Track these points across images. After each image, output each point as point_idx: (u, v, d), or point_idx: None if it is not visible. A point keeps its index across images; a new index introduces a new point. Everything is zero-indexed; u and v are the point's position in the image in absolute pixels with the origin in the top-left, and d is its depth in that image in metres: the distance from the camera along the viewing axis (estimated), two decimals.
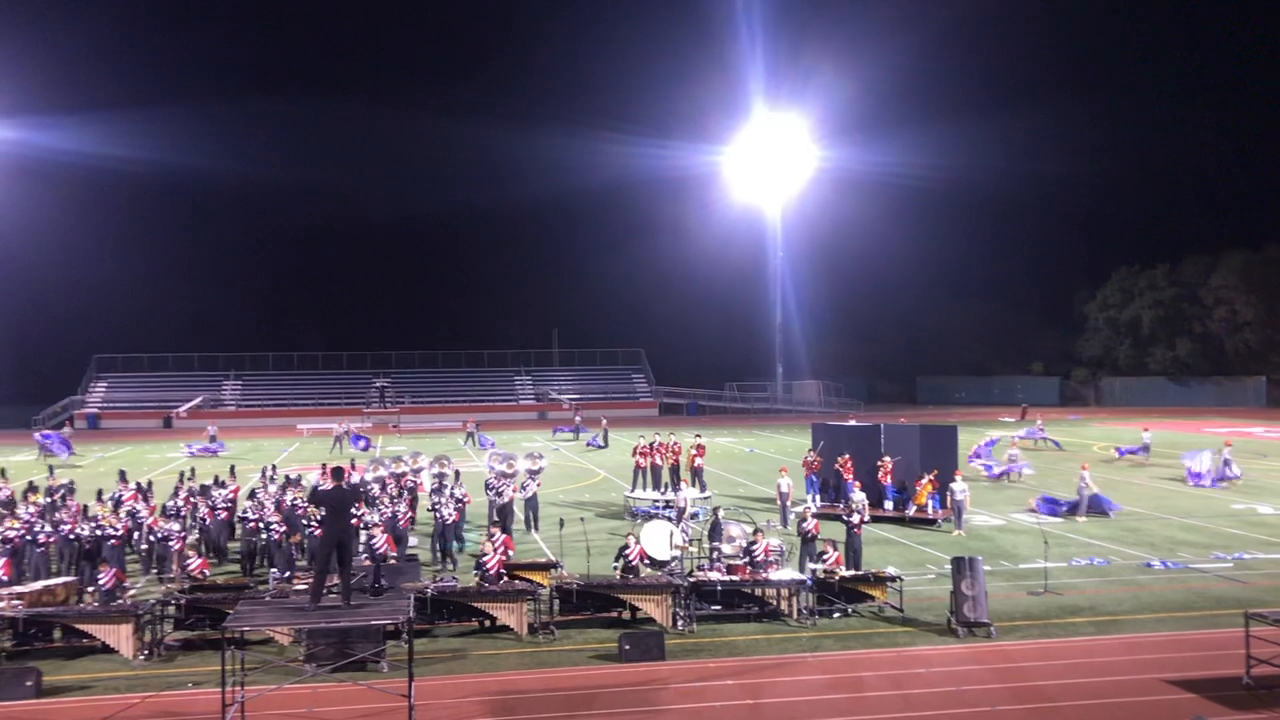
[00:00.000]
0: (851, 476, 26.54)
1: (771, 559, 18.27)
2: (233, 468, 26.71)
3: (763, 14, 73.64)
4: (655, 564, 19.37)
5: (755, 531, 18.83)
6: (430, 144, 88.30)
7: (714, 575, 17.80)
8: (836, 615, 17.49)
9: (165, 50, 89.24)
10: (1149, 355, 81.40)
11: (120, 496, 22.83)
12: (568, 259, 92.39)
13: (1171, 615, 17.64)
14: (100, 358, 77.80)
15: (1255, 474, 35.04)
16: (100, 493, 23.51)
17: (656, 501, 27.58)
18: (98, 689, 14.35)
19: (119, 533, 19.69)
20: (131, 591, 18.22)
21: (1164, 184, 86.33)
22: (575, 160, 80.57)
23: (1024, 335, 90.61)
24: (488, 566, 17.41)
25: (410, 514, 23.17)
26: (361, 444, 48.16)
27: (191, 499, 22.81)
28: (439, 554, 21.76)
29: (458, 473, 26.27)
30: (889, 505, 26.91)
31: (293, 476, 26.46)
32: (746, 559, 18.29)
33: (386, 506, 21.66)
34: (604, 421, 52.57)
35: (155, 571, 20.34)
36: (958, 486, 25.50)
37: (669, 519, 22.83)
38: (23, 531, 19.55)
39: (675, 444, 31.01)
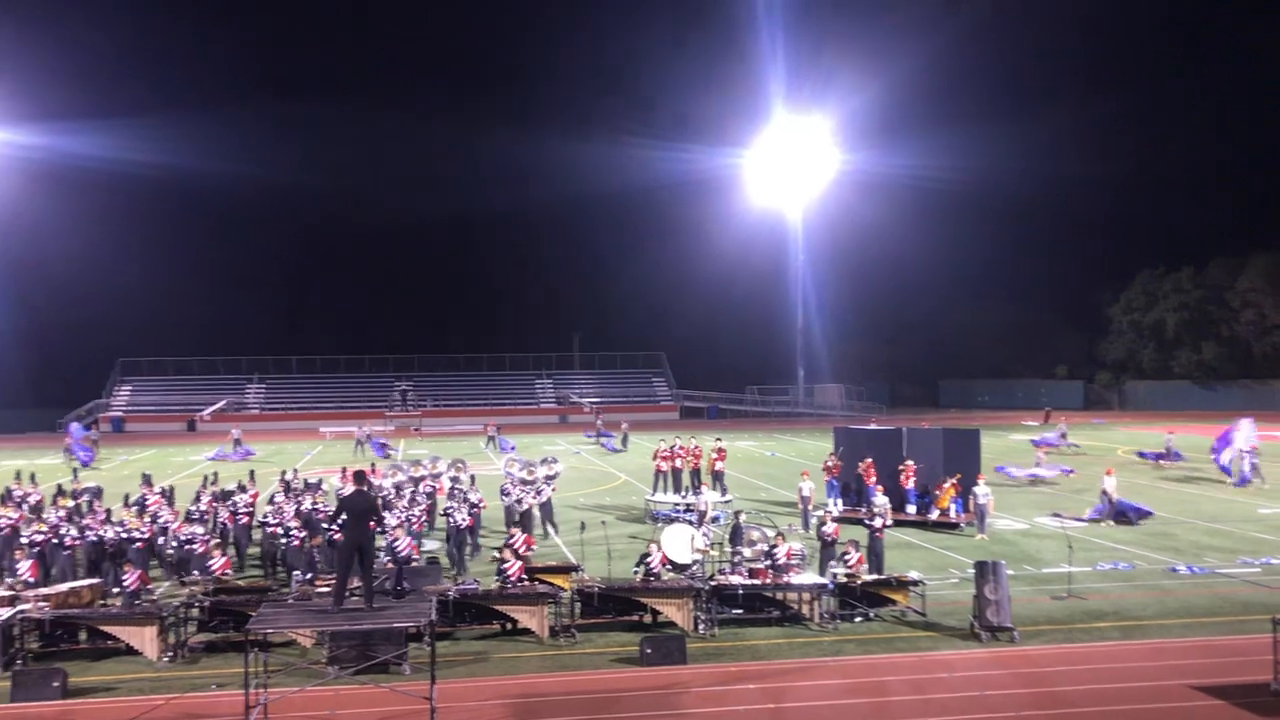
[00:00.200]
0: (874, 480, 26.44)
1: (793, 563, 18.22)
2: (252, 473, 26.79)
3: (784, 17, 73.54)
4: (676, 567, 19.34)
5: (776, 535, 18.77)
6: (453, 148, 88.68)
7: (735, 579, 17.76)
8: (858, 619, 17.42)
9: (189, 56, 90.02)
10: (1174, 359, 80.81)
11: (145, 500, 22.97)
12: (589, 262, 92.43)
13: (1198, 621, 17.48)
14: (125, 361, 78.44)
15: None
16: (127, 497, 23.68)
17: (677, 505, 27.54)
18: (122, 690, 14.45)
19: (145, 535, 19.83)
20: (156, 594, 18.34)
21: (1190, 185, 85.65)
22: (596, 164, 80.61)
23: (1047, 338, 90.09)
24: (508, 571, 17.42)
25: (424, 517, 23.20)
26: (381, 451, 48.36)
27: (214, 503, 22.93)
28: (451, 558, 21.78)
29: (473, 477, 26.25)
30: (911, 509, 26.79)
31: (313, 481, 26.55)
32: (768, 563, 18.25)
33: (403, 510, 21.69)
34: (624, 425, 52.61)
35: (178, 576, 20.43)
36: (980, 490, 25.36)
37: (690, 522, 22.81)
38: (49, 535, 19.73)
39: (696, 447, 31.03)
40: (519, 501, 23.93)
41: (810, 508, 25.97)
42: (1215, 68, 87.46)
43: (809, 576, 18.15)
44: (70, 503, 22.39)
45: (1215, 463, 35.33)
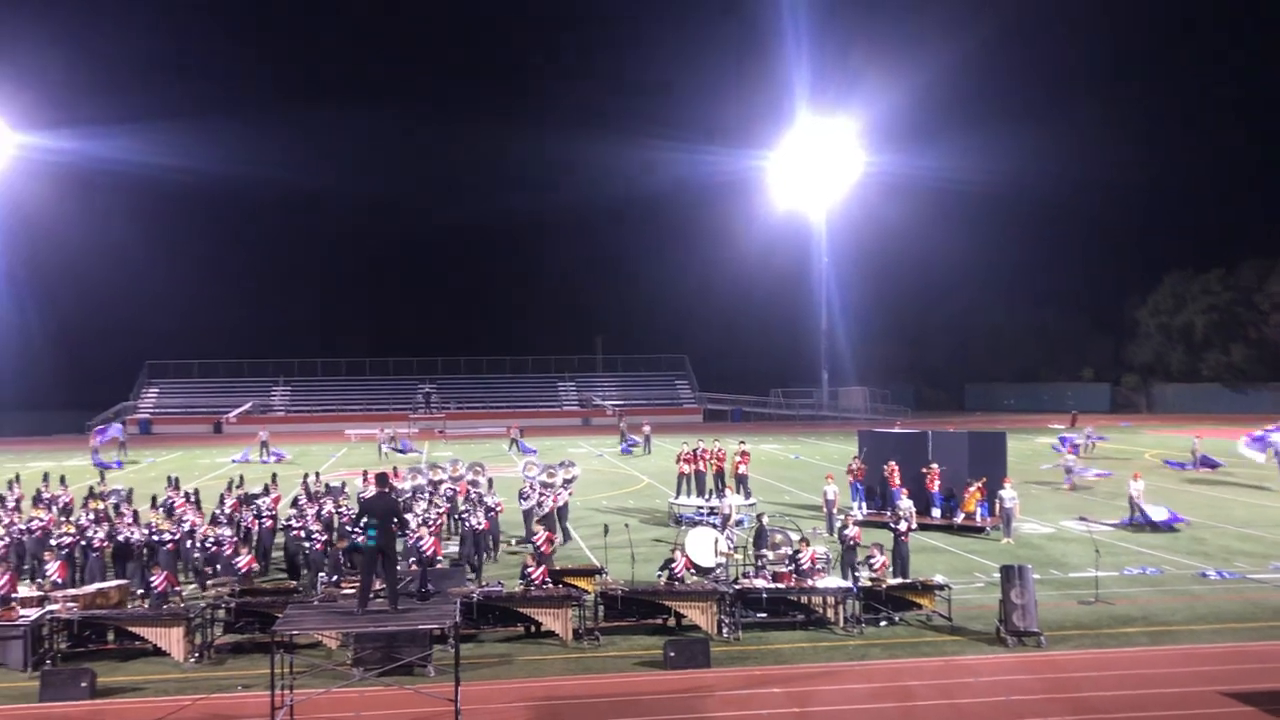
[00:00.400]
0: (898, 483, 26.31)
1: (817, 567, 18.15)
2: (274, 476, 26.87)
3: (809, 19, 73.43)
4: (700, 571, 19.30)
5: (801, 540, 18.69)
6: (478, 152, 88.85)
7: (759, 582, 17.71)
8: (883, 624, 17.33)
9: (217, 62, 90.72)
10: (1202, 361, 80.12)
11: (172, 503, 23.11)
12: (612, 265, 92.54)
13: (1228, 626, 17.30)
14: (152, 364, 79.10)
15: None
16: (154, 499, 23.85)
17: (701, 508, 27.50)
18: (150, 691, 14.55)
19: (175, 537, 19.95)
20: (182, 596, 18.46)
21: (1219, 187, 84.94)
22: (620, 166, 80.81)
23: (1074, 341, 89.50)
24: (532, 573, 17.44)
25: (441, 520, 23.22)
26: (408, 448, 48.50)
27: (239, 506, 23.02)
28: (468, 562, 21.77)
29: (490, 480, 26.22)
30: (936, 513, 26.65)
31: (335, 484, 26.61)
32: (792, 566, 18.18)
33: (421, 513, 21.69)
34: (646, 428, 52.55)
35: (201, 581, 20.51)
36: (1006, 494, 25.19)
37: (714, 526, 22.76)
38: (76, 537, 19.91)
39: (719, 450, 30.92)
40: (539, 505, 23.92)
41: (835, 511, 25.86)
42: (1246, 70, 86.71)
43: (833, 580, 18.08)
44: (100, 505, 22.55)
45: (1247, 448, 35.00)
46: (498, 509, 23.31)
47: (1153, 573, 21.39)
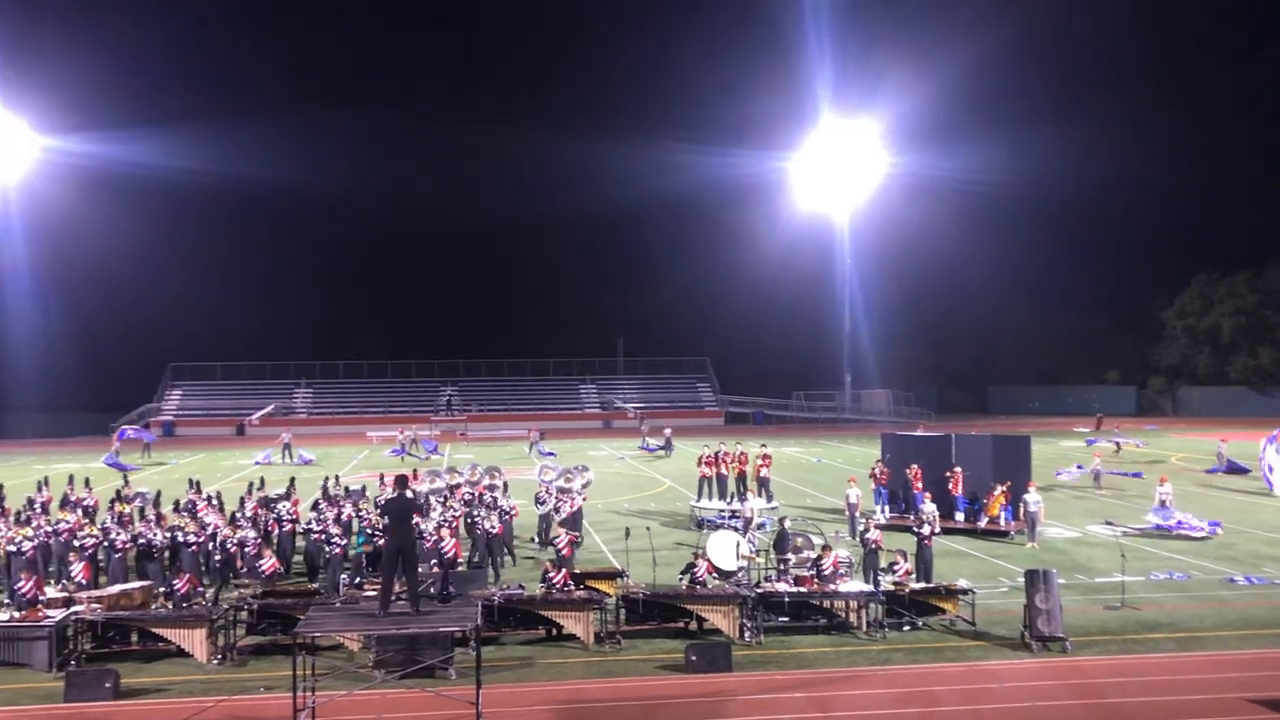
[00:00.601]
0: (920, 487, 26.16)
1: (840, 571, 18.05)
2: (292, 479, 26.84)
3: (832, 19, 73.16)
4: (722, 575, 19.24)
5: (824, 548, 18.58)
6: (499, 154, 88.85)
7: (781, 586, 17.64)
8: (906, 628, 17.22)
9: (239, 64, 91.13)
10: (1229, 364, 79.40)
11: (195, 505, 23.20)
12: (633, 267, 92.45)
13: (1256, 633, 17.10)
14: (175, 366, 79.58)
15: None
16: (177, 502, 23.98)
17: (722, 511, 27.43)
18: (173, 692, 14.61)
19: (199, 539, 20.04)
20: (205, 597, 18.54)
21: (1247, 188, 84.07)
22: (641, 168, 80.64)
23: (1099, 343, 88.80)
24: (553, 576, 17.42)
25: (456, 524, 23.19)
26: (432, 448, 48.60)
27: (259, 509, 23.06)
28: (483, 565, 21.73)
29: (506, 485, 26.16)
30: (960, 517, 26.48)
31: (355, 488, 26.61)
32: (813, 571, 18.10)
33: (437, 517, 21.67)
34: (667, 430, 52.47)
35: (220, 583, 20.58)
36: (1031, 498, 25.01)
37: (735, 529, 22.69)
38: (99, 539, 20.04)
39: (741, 453, 30.81)
40: (556, 510, 23.82)
41: (857, 514, 25.75)
42: (1276, 69, 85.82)
43: (856, 584, 17.99)
44: (126, 508, 22.66)
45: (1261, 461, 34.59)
46: (512, 513, 23.26)
47: (1180, 578, 21.18)
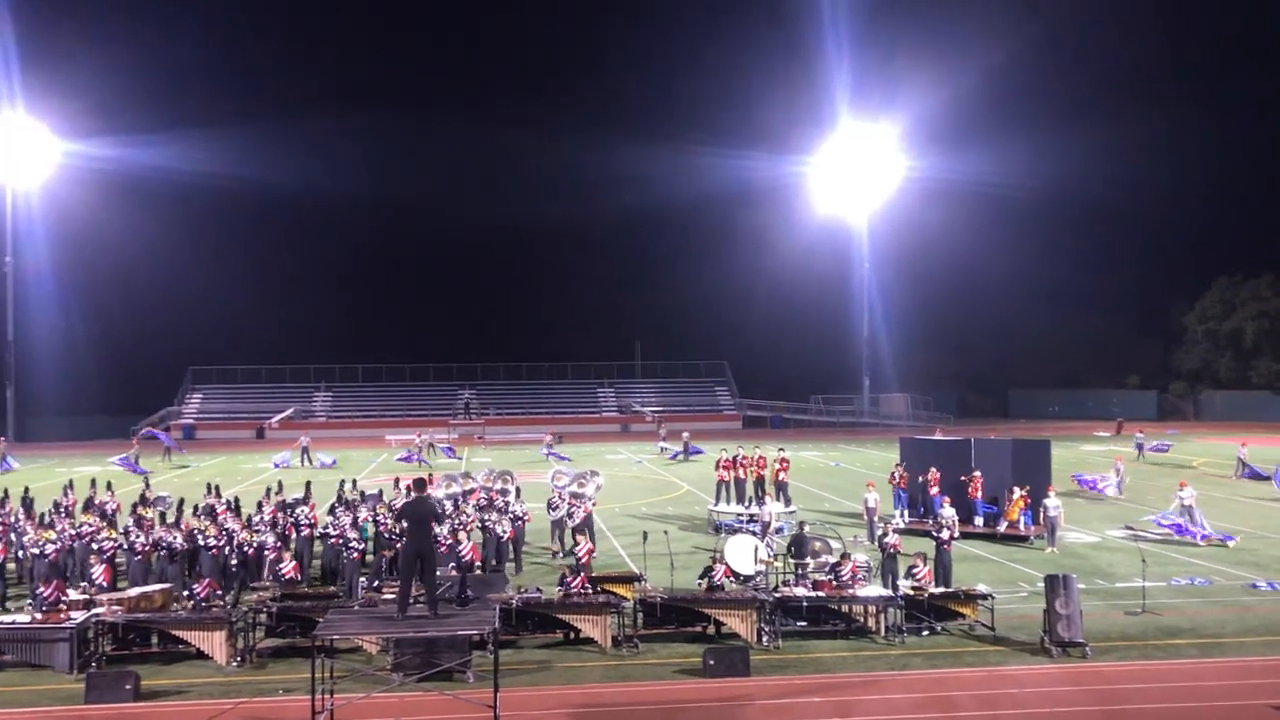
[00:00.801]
0: (938, 491, 26.06)
1: (858, 576, 18.00)
2: (308, 484, 26.80)
3: (850, 23, 73.05)
4: (739, 579, 19.20)
5: (842, 557, 18.52)
6: (517, 157, 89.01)
7: (799, 591, 17.59)
8: (925, 633, 17.15)
9: (258, 69, 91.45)
10: (1252, 368, 78.85)
11: (215, 509, 23.27)
12: (651, 271, 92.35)
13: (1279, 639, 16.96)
14: (196, 369, 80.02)
15: None
16: (196, 506, 24.08)
17: (740, 515, 27.38)
18: (193, 694, 14.67)
19: (220, 543, 20.13)
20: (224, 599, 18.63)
21: (1269, 191, 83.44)
22: (659, 172, 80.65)
23: (1120, 347, 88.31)
24: (571, 580, 17.43)
25: (469, 528, 23.20)
26: (450, 453, 48.68)
27: (277, 513, 23.10)
28: (500, 569, 21.70)
29: (519, 490, 26.13)
30: (979, 521, 26.35)
31: (371, 492, 26.58)
32: (832, 575, 18.05)
33: (451, 520, 21.67)
34: (685, 434, 52.43)
35: (248, 578, 20.67)
36: (1051, 503, 24.89)
37: (753, 533, 22.64)
38: (119, 541, 20.17)
39: (760, 457, 30.78)
40: (569, 515, 23.73)
41: (876, 519, 25.66)
42: None
43: (874, 589, 17.93)
44: (149, 512, 22.77)
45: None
46: (525, 519, 23.21)
47: (1201, 583, 21.03)
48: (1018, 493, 26.01)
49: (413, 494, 14.31)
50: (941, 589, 18.21)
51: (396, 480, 26.65)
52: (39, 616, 15.96)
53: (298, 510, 22.89)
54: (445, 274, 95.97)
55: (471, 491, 26.39)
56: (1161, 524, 26.64)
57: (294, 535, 22.13)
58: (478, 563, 20.03)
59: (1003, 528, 26.03)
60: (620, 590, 17.78)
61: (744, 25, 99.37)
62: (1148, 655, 16.13)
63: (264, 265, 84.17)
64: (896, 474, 28.56)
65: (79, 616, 15.91)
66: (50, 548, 19.75)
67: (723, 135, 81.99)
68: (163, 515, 22.98)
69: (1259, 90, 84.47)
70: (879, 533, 21.34)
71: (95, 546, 19.83)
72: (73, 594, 17.29)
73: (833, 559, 18.79)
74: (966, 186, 75.41)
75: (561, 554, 23.88)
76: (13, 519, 22.39)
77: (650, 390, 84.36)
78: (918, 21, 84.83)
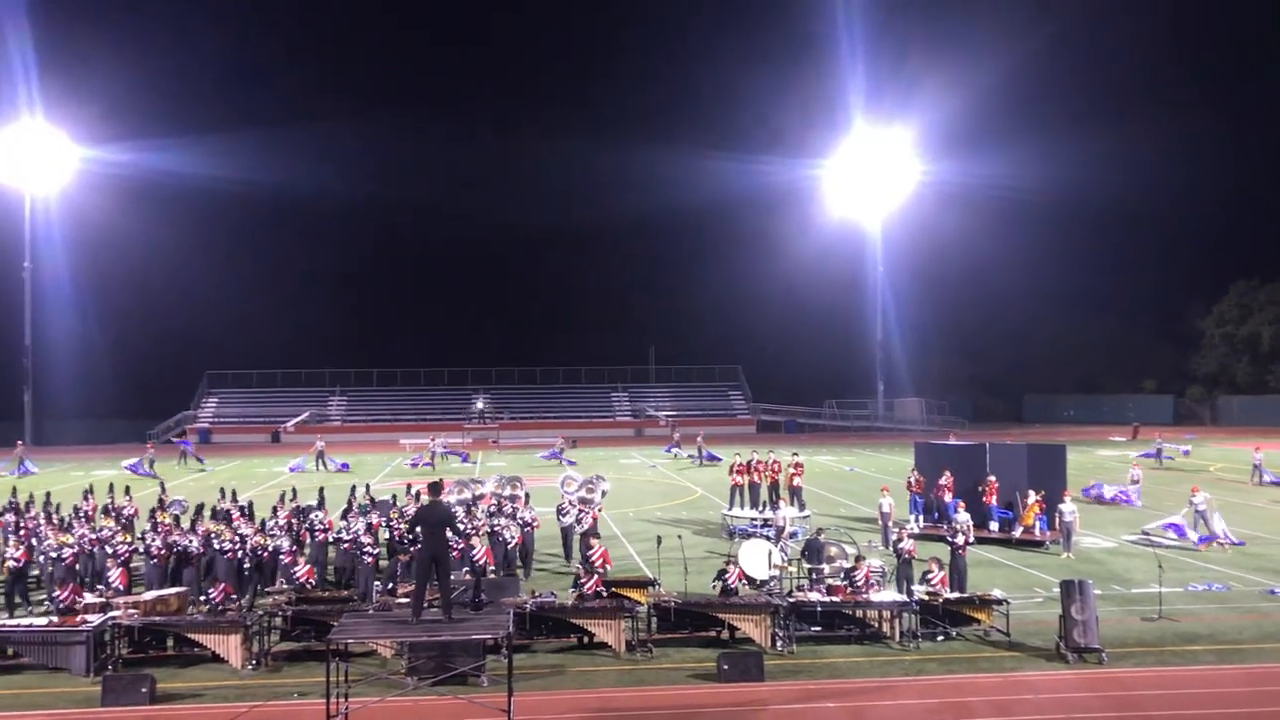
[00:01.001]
0: (951, 495, 25.98)
1: (873, 581, 17.95)
2: (321, 489, 26.81)
3: (865, 27, 73.06)
4: (754, 583, 19.17)
5: (857, 560, 18.49)
6: (530, 162, 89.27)
7: (814, 595, 17.56)
8: (940, 638, 17.09)
9: (273, 74, 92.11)
10: (1270, 373, 78.41)
11: (230, 514, 23.33)
12: (665, 275, 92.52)
13: None
14: (212, 374, 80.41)
15: None
16: (214, 509, 24.15)
17: (754, 520, 27.35)
18: (208, 697, 14.73)
19: (235, 547, 20.20)
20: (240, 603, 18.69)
21: None
22: (673, 177, 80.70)
23: (1136, 351, 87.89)
24: (585, 584, 17.43)
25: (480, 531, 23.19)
26: (465, 459, 48.78)
27: (291, 518, 23.14)
28: (514, 573, 21.68)
29: (527, 495, 26.11)
30: (994, 526, 26.26)
31: (381, 499, 26.58)
32: (846, 580, 18.01)
33: (464, 523, 21.67)
34: (700, 438, 52.38)
35: (262, 582, 20.73)
36: (1066, 508, 24.77)
37: (767, 538, 22.61)
38: (134, 545, 20.26)
39: (774, 462, 30.74)
40: (578, 521, 23.68)
41: (890, 524, 25.59)
42: None
43: (889, 594, 17.88)
44: (168, 518, 22.85)
45: None
46: (534, 524, 23.18)
47: (1219, 589, 20.90)
48: (1033, 497, 25.91)
49: (428, 498, 14.32)
50: (956, 594, 18.15)
51: (409, 486, 26.68)
52: (55, 620, 16.06)
53: (311, 515, 22.93)
54: (460, 278, 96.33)
55: (482, 497, 26.40)
56: (1166, 528, 26.53)
57: (308, 540, 22.18)
58: (492, 567, 20.04)
59: (1018, 533, 25.94)
60: (634, 595, 17.76)
61: (759, 30, 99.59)
62: (1164, 661, 16.04)
63: (279, 269, 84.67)
64: (913, 479, 28.48)
65: (95, 620, 15.99)
66: (67, 552, 19.86)
67: (737, 139, 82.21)
68: (177, 519, 23.07)
69: (1276, 93, 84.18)
70: (893, 538, 21.26)
71: (110, 550, 19.91)
72: (89, 597, 17.39)
73: (847, 564, 18.75)
74: (981, 190, 75.37)
75: (580, 567, 23.86)
76: (34, 524, 22.53)
77: (664, 395, 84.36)
78: (932, 25, 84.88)
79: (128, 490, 26.87)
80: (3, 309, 70.59)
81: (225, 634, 15.92)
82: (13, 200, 68.56)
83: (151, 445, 50.83)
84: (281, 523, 22.27)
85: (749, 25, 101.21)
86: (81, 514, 23.86)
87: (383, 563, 21.13)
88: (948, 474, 27.19)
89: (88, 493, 26.22)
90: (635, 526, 29.03)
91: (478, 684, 14.69)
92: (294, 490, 25.45)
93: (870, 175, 72.62)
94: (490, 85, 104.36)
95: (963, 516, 21.53)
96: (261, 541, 20.56)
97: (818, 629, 17.11)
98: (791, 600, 17.29)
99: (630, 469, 47.95)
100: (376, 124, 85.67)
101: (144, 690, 14.37)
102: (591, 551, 19.25)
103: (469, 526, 21.19)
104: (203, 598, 17.69)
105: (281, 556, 20.07)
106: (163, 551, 19.93)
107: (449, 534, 14.35)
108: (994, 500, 26.47)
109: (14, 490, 26.13)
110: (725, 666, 15.13)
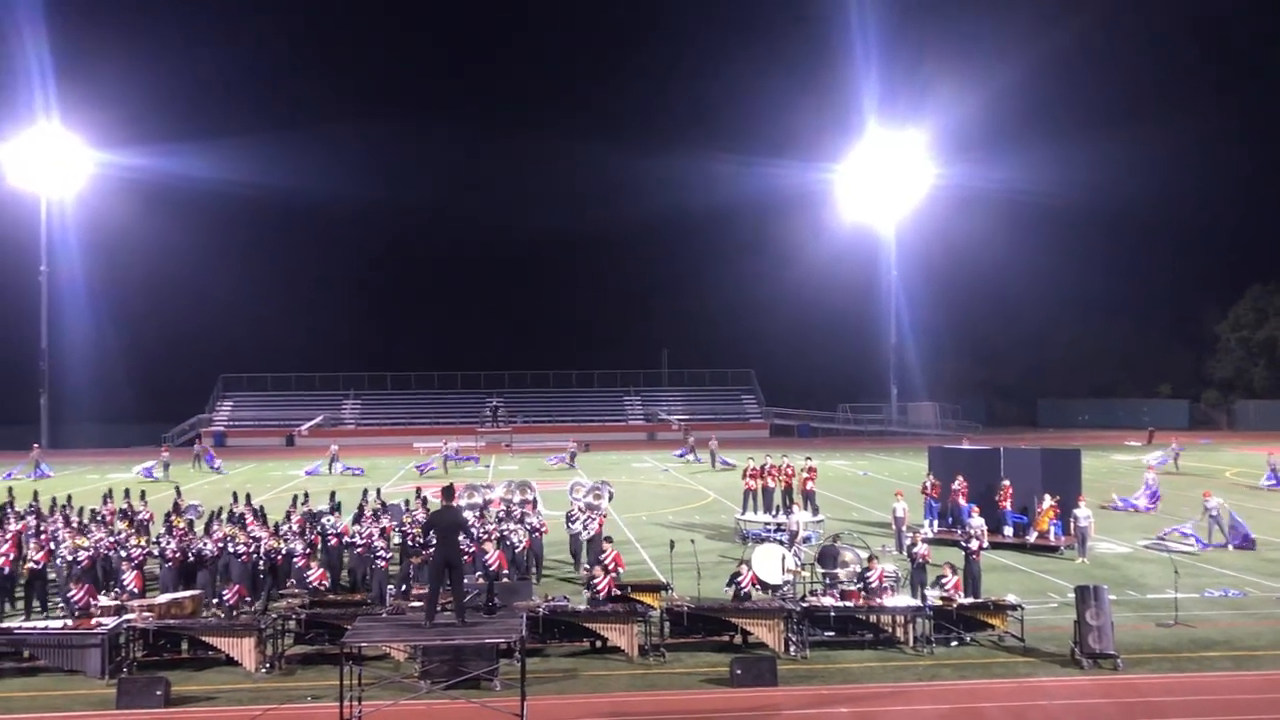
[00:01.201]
0: (966, 500, 25.90)
1: (886, 585, 17.90)
2: (333, 494, 26.81)
3: (878, 29, 72.93)
4: (767, 588, 19.14)
5: (870, 558, 18.47)
6: (544, 166, 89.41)
7: (827, 600, 17.52)
8: (954, 644, 17.02)
9: (287, 78, 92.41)
10: None
11: (244, 517, 23.38)
12: (678, 278, 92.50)
13: None
14: (226, 377, 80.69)
15: None
16: (230, 512, 24.20)
17: (768, 524, 27.30)
18: (222, 700, 14.77)
19: (249, 550, 20.26)
20: (255, 606, 18.75)
21: None
22: (686, 180, 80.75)
23: (1151, 356, 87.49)
24: (598, 587, 17.42)
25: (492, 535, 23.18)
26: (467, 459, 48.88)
27: (303, 522, 23.16)
28: (527, 577, 21.66)
29: (536, 501, 26.07)
30: (1009, 531, 26.16)
31: (392, 504, 26.57)
32: (860, 584, 17.96)
33: (475, 528, 21.66)
34: (713, 442, 52.23)
35: (275, 589, 20.75)
36: (1081, 513, 24.67)
37: (781, 542, 22.56)
38: (148, 548, 20.33)
39: (787, 466, 30.67)
40: (585, 528, 23.61)
41: (904, 528, 25.51)
42: None
43: (903, 599, 17.83)
44: (183, 522, 22.92)
45: None
46: (542, 530, 23.15)
47: (1235, 595, 20.77)
48: (1048, 502, 25.80)
49: (440, 502, 14.34)
50: (970, 599, 18.09)
51: (418, 490, 26.73)
52: (71, 623, 16.14)
53: (324, 520, 22.98)
54: (473, 282, 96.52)
55: (491, 502, 26.41)
56: (1184, 532, 26.41)
57: (319, 544, 22.24)
58: (505, 571, 20.06)
59: (1032, 538, 25.83)
60: (647, 599, 17.75)
61: (772, 33, 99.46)
62: (1180, 668, 15.95)
63: (293, 273, 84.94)
64: (928, 484, 28.37)
65: (110, 623, 16.06)
66: (83, 555, 19.95)
67: (750, 143, 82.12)
68: (191, 524, 23.17)
69: None
70: (907, 542, 21.20)
71: (125, 553, 19.99)
72: (104, 600, 17.46)
73: (861, 566, 18.70)
74: (996, 194, 75.17)
75: (588, 572, 23.85)
76: (54, 528, 22.64)
77: (677, 398, 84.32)
78: (945, 29, 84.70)
79: (143, 494, 26.96)
80: (19, 313, 70.98)
81: (239, 637, 15.96)
82: (29, 204, 68.95)
83: (166, 448, 50.98)
84: (294, 526, 22.31)
85: (762, 28, 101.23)
86: (99, 517, 23.94)
87: (394, 567, 21.15)
88: (960, 479, 27.10)
89: (106, 497, 26.33)
90: (648, 531, 29.01)
91: (491, 688, 14.70)
92: (305, 494, 25.51)
93: (884, 179, 72.44)
94: (503, 89, 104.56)
95: (977, 521, 21.47)
96: (275, 545, 20.61)
97: (831, 634, 17.07)
98: (805, 605, 17.25)
99: (643, 473, 47.95)
100: (390, 128, 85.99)
101: (158, 693, 14.42)
102: (604, 555, 19.24)
103: (480, 531, 21.21)
104: (216, 600, 17.76)
105: (295, 560, 20.13)
106: (177, 555, 20.00)
107: (462, 538, 14.37)
108: (1008, 505, 26.38)
109: (35, 494, 26.29)
110: (738, 671, 15.10)
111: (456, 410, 79.75)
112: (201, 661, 16.23)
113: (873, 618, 17.21)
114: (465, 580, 15.11)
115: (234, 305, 78.79)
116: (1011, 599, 17.83)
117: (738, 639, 17.01)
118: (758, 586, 18.66)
